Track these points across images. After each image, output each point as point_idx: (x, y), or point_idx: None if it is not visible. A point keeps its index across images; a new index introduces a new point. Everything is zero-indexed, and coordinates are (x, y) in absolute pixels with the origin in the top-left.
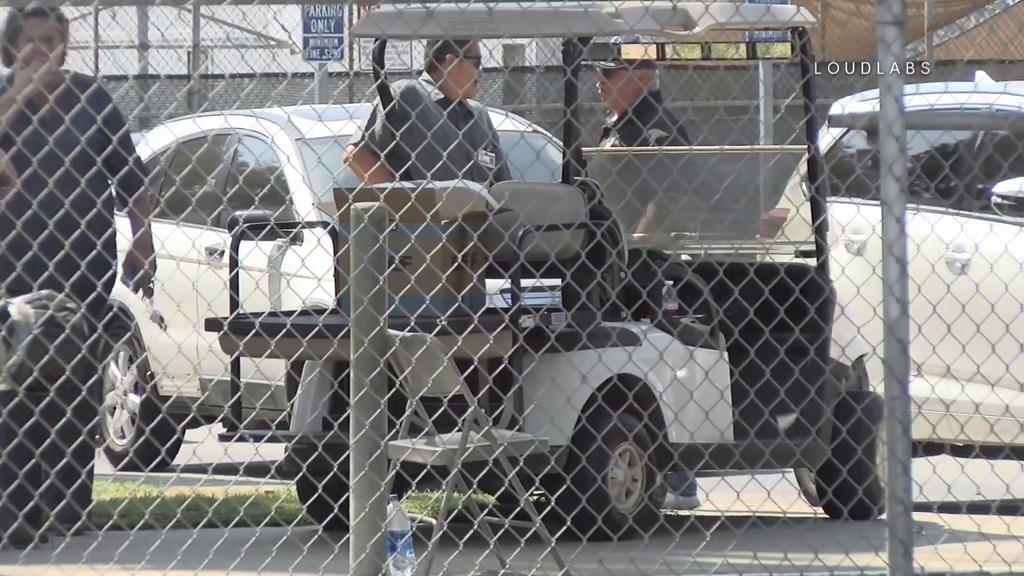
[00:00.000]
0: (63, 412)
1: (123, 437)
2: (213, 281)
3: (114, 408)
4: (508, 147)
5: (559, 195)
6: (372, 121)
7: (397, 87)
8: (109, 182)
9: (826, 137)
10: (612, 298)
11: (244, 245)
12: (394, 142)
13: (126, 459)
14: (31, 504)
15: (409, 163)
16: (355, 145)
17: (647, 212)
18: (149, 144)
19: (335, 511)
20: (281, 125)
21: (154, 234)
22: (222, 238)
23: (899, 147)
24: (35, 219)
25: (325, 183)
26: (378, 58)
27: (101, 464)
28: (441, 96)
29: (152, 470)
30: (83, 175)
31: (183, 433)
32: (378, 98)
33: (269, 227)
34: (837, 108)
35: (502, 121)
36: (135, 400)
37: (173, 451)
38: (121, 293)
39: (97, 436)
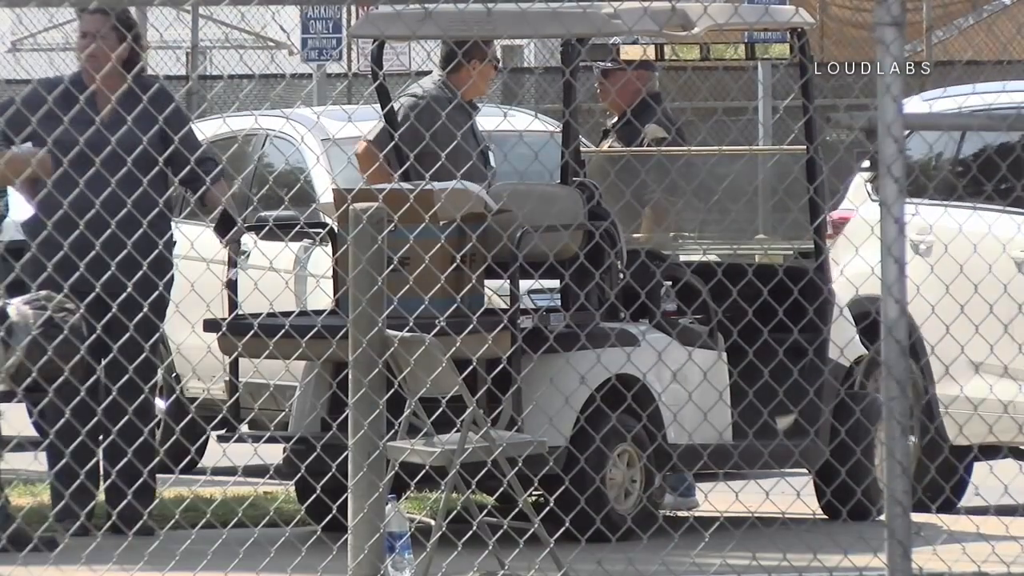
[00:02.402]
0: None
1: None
2: (242, 283)
3: None
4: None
5: (558, 196)
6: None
7: (416, 100)
8: (167, 183)
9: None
10: (611, 299)
11: (271, 246)
12: (413, 156)
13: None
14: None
15: (436, 168)
16: (368, 142)
17: (645, 215)
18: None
19: (334, 512)
20: (309, 126)
21: (183, 236)
22: (250, 239)
23: (898, 148)
24: (91, 220)
25: (353, 184)
26: (376, 59)
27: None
28: (457, 99)
29: (181, 472)
30: (141, 177)
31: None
32: (403, 103)
33: (267, 227)
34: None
35: (531, 122)
36: (160, 403)
37: (200, 452)
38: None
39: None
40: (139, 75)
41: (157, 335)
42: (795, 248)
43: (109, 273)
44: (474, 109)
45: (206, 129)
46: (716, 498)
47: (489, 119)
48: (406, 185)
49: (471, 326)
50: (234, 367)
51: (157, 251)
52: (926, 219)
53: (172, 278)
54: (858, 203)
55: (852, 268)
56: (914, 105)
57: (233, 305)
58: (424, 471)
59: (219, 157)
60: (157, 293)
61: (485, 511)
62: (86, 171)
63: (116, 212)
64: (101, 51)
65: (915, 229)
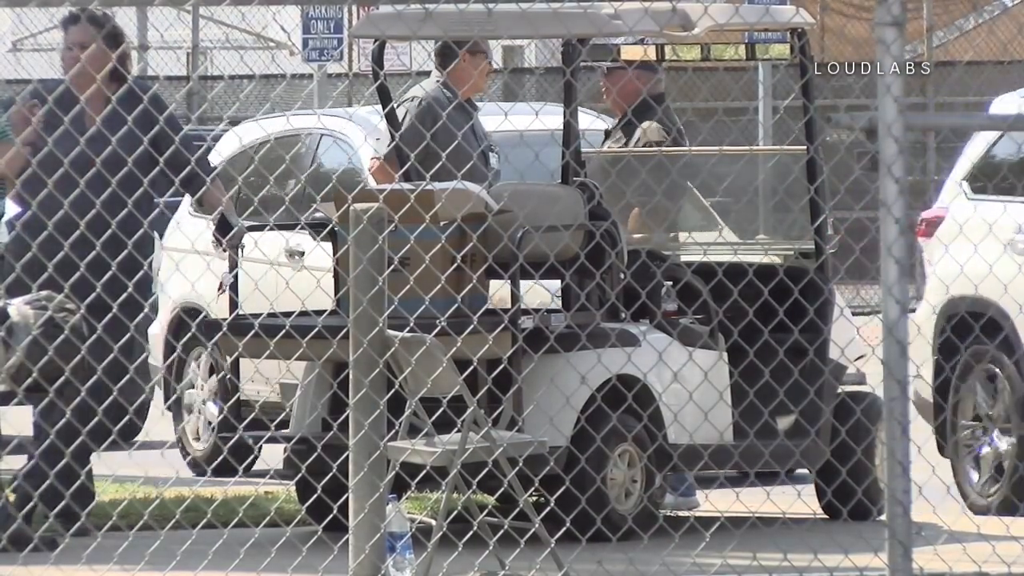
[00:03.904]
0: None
1: (199, 440)
2: (294, 283)
3: (191, 411)
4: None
5: (558, 196)
6: (398, 135)
7: (415, 103)
8: (154, 191)
9: (979, 139)
10: (611, 299)
11: (329, 246)
12: (410, 162)
13: (213, 463)
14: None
15: (436, 168)
16: (381, 160)
17: (633, 215)
18: (227, 144)
19: (334, 512)
20: (363, 125)
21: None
22: (302, 239)
23: (898, 148)
24: (72, 224)
25: None
26: (377, 59)
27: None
28: (456, 100)
29: (226, 474)
30: (126, 181)
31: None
32: (407, 115)
33: (269, 227)
34: (997, 107)
35: (592, 122)
36: (213, 408)
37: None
38: (199, 297)
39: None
40: (133, 80)
41: (97, 333)
42: (795, 248)
43: (79, 276)
44: (474, 109)
45: (269, 127)
46: (716, 498)
47: (493, 118)
48: (406, 185)
49: (471, 326)
50: (235, 367)
51: (136, 257)
52: (1021, 218)
53: (147, 279)
54: (951, 202)
55: (943, 268)
56: (1009, 101)
57: (234, 305)
58: (425, 471)
59: (210, 167)
60: (131, 301)
61: (486, 511)
62: (74, 179)
63: (100, 218)
64: (91, 61)
65: (1012, 228)
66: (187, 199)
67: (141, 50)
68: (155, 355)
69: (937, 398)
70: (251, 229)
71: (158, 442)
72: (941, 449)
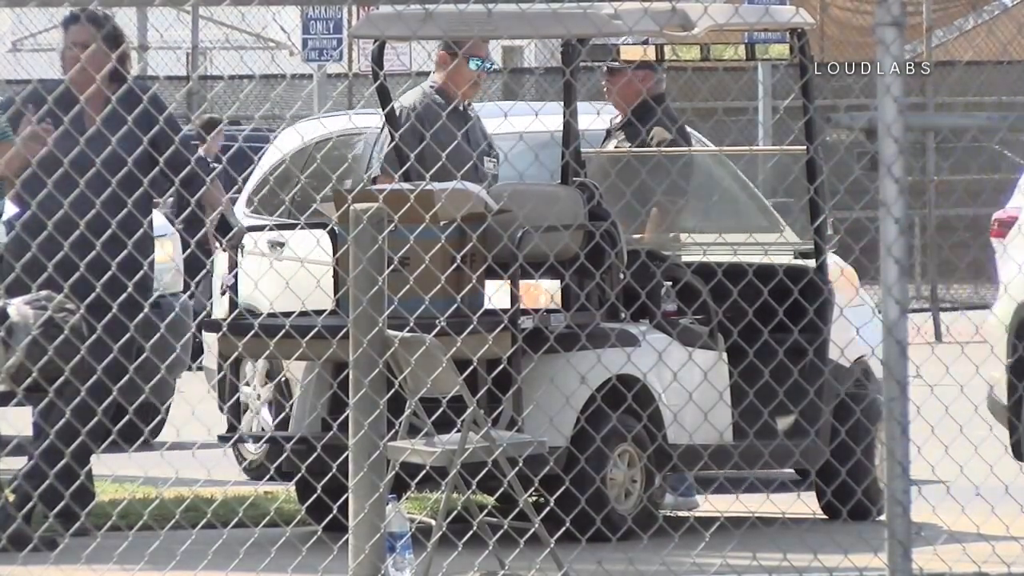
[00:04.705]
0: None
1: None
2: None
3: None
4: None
5: (558, 196)
6: (388, 147)
7: (409, 108)
8: (153, 192)
9: None
10: (611, 299)
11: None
12: (407, 164)
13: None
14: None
15: (432, 172)
16: (376, 179)
17: (652, 216)
18: (277, 146)
19: (334, 512)
20: None
21: (283, 237)
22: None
23: (898, 148)
24: (72, 224)
25: None
26: (377, 59)
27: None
28: (451, 104)
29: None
30: (126, 181)
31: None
32: (388, 127)
33: (268, 227)
34: None
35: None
36: (266, 415)
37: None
38: (252, 298)
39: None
40: (132, 81)
41: (92, 338)
42: (795, 248)
43: (79, 275)
44: (469, 113)
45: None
46: (716, 498)
47: (493, 119)
48: (406, 185)
49: (471, 326)
50: (235, 367)
51: (137, 259)
52: None
53: (148, 278)
54: None
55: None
56: None
57: (234, 306)
58: (424, 471)
59: (208, 169)
60: (129, 301)
61: (485, 511)
62: (74, 179)
63: (99, 218)
64: (91, 61)
65: None
66: (241, 200)
67: (141, 50)
68: (210, 357)
69: None
70: (251, 229)
71: (157, 443)
72: (1018, 452)
